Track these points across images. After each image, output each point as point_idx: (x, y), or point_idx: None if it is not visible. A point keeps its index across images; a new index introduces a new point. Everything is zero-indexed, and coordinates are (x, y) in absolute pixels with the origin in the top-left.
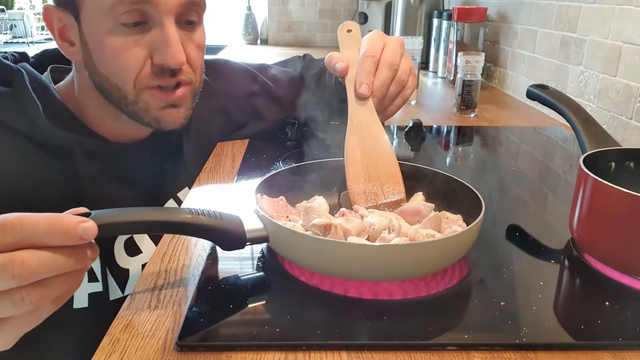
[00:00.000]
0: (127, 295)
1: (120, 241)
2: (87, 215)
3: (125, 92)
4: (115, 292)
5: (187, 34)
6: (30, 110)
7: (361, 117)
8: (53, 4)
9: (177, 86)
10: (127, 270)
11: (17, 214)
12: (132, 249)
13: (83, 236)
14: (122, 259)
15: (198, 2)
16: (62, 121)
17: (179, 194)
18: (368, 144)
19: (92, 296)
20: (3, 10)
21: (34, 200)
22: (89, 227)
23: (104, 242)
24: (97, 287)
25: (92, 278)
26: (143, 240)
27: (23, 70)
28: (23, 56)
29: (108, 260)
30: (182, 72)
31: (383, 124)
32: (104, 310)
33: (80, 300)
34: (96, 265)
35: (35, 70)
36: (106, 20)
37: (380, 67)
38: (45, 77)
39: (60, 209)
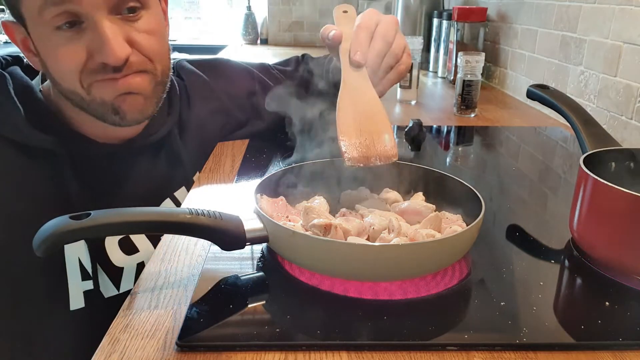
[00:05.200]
0: (123, 293)
1: (113, 239)
2: (86, 215)
3: (78, 94)
4: (109, 290)
5: (130, 23)
6: (12, 115)
7: (355, 82)
8: (10, 17)
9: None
10: (121, 267)
11: None
12: (129, 248)
13: None
14: (118, 257)
15: None
16: (46, 124)
17: (176, 194)
18: (360, 103)
19: (87, 294)
20: (3, 10)
21: (21, 206)
22: None
23: (94, 240)
24: (90, 285)
25: (85, 276)
26: (138, 239)
27: (7, 75)
28: (16, 59)
29: (98, 256)
30: (129, 66)
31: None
32: (99, 308)
33: (76, 301)
34: (87, 264)
35: (23, 74)
36: (41, 26)
37: (375, 38)
38: (36, 80)
39: (47, 213)
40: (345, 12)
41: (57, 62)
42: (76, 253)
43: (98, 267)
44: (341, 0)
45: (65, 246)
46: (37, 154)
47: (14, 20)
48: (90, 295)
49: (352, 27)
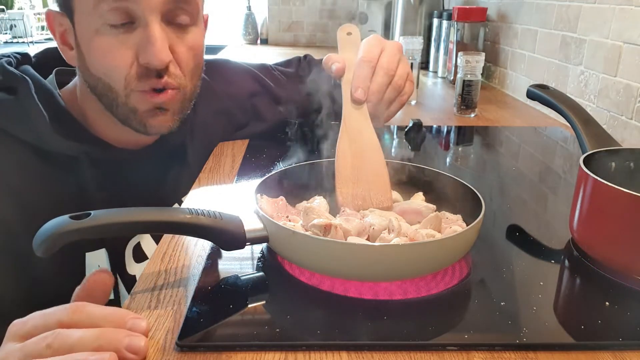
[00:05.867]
0: None
1: (129, 248)
2: (86, 215)
3: (116, 93)
4: (124, 299)
5: (178, 34)
6: (36, 120)
7: (354, 121)
8: (55, 8)
9: (162, 90)
10: (134, 276)
11: (84, 303)
12: (139, 255)
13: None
14: (130, 265)
15: (186, 0)
16: (68, 130)
17: (183, 198)
18: (359, 148)
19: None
20: (3, 10)
21: (39, 211)
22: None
23: (116, 249)
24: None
25: None
26: (149, 246)
27: (28, 79)
28: (25, 57)
29: (119, 267)
30: (169, 74)
31: (379, 129)
32: None
33: None
34: None
35: (39, 76)
36: (93, 20)
37: (377, 72)
38: (50, 81)
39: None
40: (349, 33)
41: (103, 57)
42: (97, 261)
43: (118, 277)
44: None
45: (87, 254)
46: (57, 160)
47: (60, 11)
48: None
49: (355, 51)
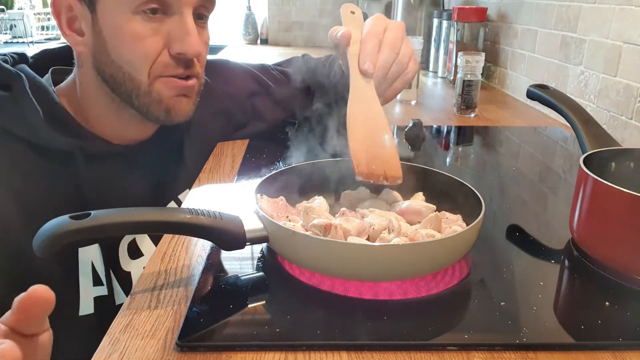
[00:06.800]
0: None
1: (124, 244)
2: (87, 215)
3: (139, 82)
4: (120, 297)
5: (198, 29)
6: (30, 116)
7: (363, 91)
8: None
9: (187, 78)
10: (129, 273)
11: None
12: (134, 252)
13: None
14: (125, 261)
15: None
16: (63, 125)
17: (180, 196)
18: (368, 114)
19: (97, 300)
20: (3, 10)
21: (37, 207)
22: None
23: (109, 244)
24: (102, 290)
25: (97, 282)
26: (144, 243)
27: (23, 75)
28: (22, 57)
29: (113, 263)
30: (194, 64)
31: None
32: (109, 315)
33: (86, 306)
34: (100, 269)
35: (35, 73)
36: (125, 8)
37: (383, 47)
38: (46, 79)
39: (63, 214)
40: (352, 12)
41: (132, 45)
42: (90, 257)
43: (111, 273)
44: (345, 0)
45: (80, 250)
46: (53, 155)
47: None
48: (101, 302)
49: (359, 29)
